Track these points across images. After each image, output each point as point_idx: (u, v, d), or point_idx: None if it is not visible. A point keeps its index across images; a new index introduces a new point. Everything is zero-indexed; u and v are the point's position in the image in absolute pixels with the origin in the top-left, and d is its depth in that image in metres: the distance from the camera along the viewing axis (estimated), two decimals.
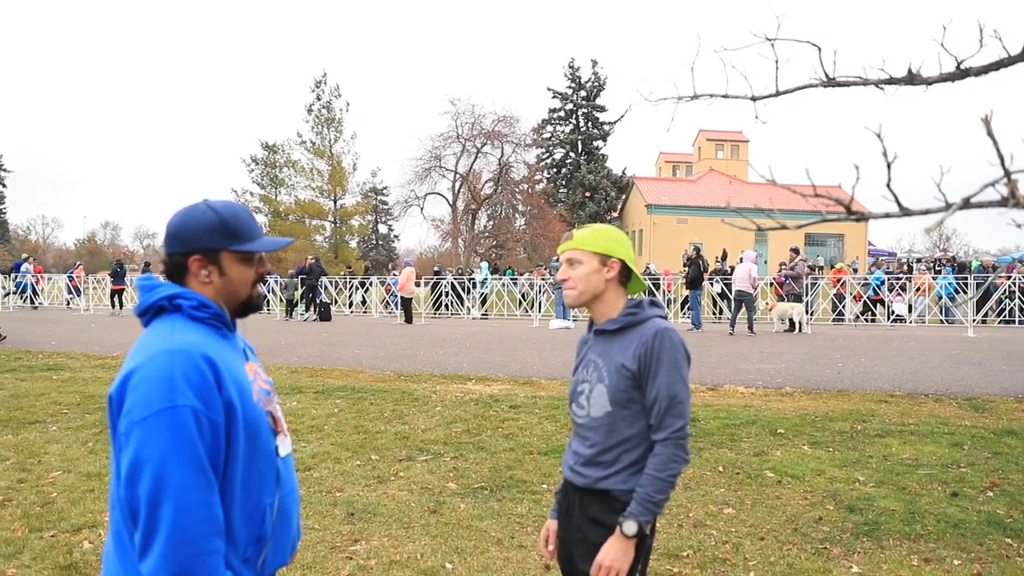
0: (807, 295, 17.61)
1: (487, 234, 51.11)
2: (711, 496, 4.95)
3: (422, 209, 49.56)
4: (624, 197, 50.31)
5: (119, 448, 1.51)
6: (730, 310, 17.18)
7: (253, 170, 47.24)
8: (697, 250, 17.00)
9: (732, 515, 4.59)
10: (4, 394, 8.86)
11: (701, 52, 3.76)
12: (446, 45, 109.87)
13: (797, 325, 15.89)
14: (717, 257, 22.84)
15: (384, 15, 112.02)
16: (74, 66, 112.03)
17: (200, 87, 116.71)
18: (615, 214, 50.30)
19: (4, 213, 68.26)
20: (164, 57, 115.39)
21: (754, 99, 3.41)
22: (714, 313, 20.78)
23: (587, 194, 48.17)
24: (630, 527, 1.97)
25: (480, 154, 48.13)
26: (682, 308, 20.24)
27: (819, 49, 3.17)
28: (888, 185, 1.77)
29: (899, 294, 19.16)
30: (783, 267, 18.72)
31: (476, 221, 50.06)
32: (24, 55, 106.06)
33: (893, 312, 18.71)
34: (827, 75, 3.18)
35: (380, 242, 61.56)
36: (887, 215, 1.85)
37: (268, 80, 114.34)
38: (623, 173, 50.21)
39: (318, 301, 21.36)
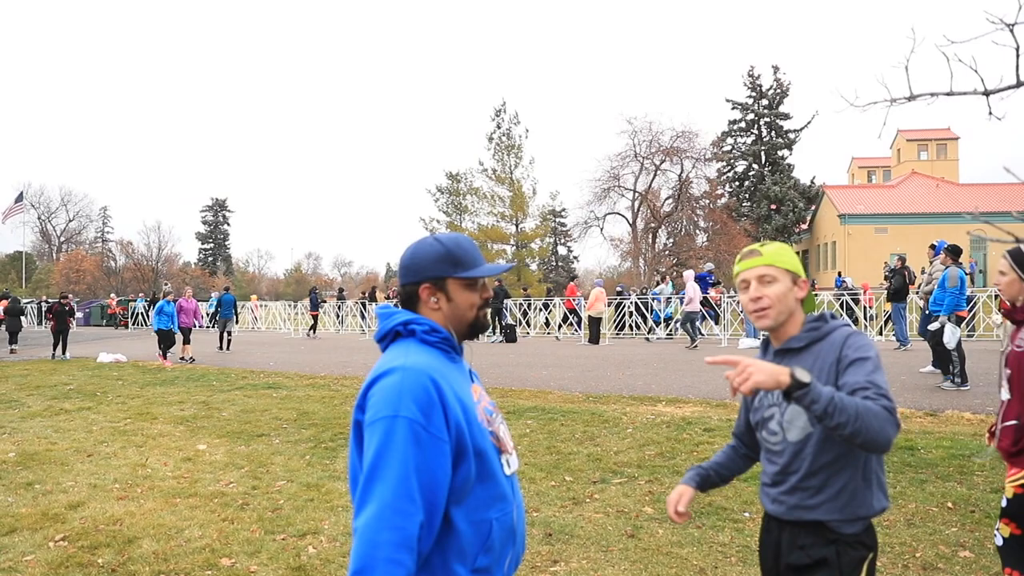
0: None
1: (668, 252, 50.15)
2: (941, 536, 4.44)
3: (601, 229, 49.68)
4: (813, 208, 47.39)
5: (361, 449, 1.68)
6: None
7: (439, 199, 49.73)
8: (902, 260, 15.59)
9: (970, 559, 4.09)
10: (236, 409, 9.93)
11: (916, 47, 3.45)
12: (621, 65, 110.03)
13: None
14: (923, 267, 20.88)
15: (559, 40, 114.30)
16: (281, 110, 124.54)
17: (390, 123, 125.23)
18: (804, 226, 47.51)
19: (228, 248, 76.99)
20: (358, 100, 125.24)
21: (987, 94, 3.05)
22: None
23: (773, 207, 45.87)
24: (803, 374, 1.73)
25: (659, 171, 47.49)
26: (885, 324, 18.60)
27: None
28: None
29: None
30: None
31: (656, 239, 49.31)
32: (236, 103, 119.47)
33: None
34: None
35: (560, 264, 62.31)
36: None
37: (452, 112, 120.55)
38: (812, 182, 47.33)
39: (503, 323, 22.00)
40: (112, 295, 40.28)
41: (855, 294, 19.61)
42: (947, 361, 9.84)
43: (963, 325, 12.28)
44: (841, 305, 18.66)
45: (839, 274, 31.69)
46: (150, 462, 6.94)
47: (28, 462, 7.08)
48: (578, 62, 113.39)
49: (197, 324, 18.71)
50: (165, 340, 16.89)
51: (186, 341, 17.46)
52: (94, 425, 9.07)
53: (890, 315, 16.53)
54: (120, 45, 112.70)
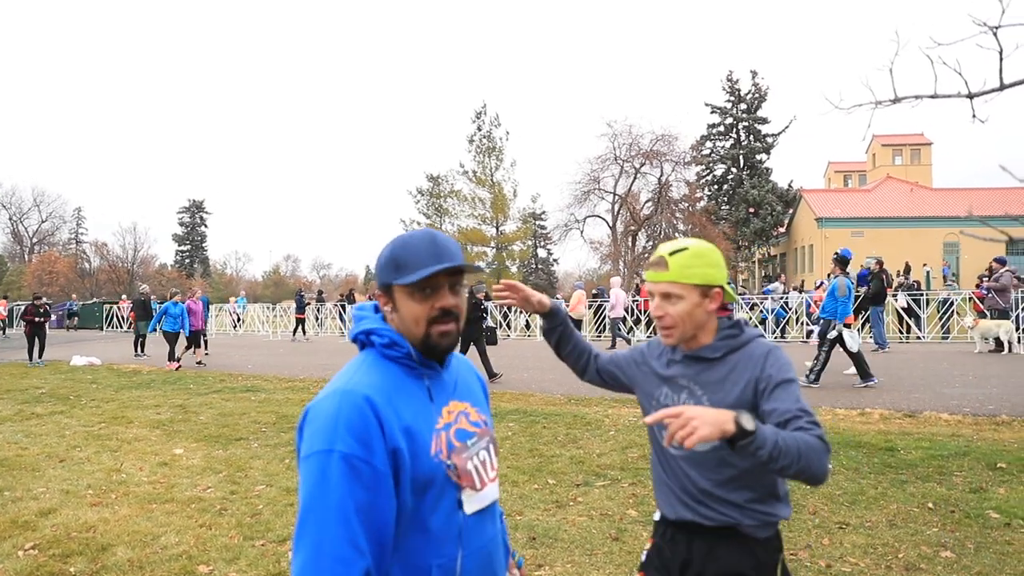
0: (1015, 310, 15.76)
1: (647, 255, 50.34)
2: (923, 536, 4.46)
3: (582, 232, 49.74)
4: (791, 211, 47.81)
5: None
6: (917, 327, 16.83)
7: (419, 201, 49.61)
8: (880, 263, 15.74)
9: (952, 560, 4.10)
10: (214, 412, 9.78)
11: (901, 50, 3.48)
12: (602, 68, 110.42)
13: (1005, 345, 14.23)
14: (899, 270, 21.18)
15: (540, 43, 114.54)
16: (259, 110, 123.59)
17: (371, 124, 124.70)
18: (782, 229, 47.90)
19: (206, 251, 76.18)
20: (338, 101, 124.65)
21: (971, 96, 3.08)
22: (900, 331, 19.10)
23: (751, 210, 46.25)
24: (748, 421, 1.60)
25: (639, 174, 47.66)
26: (863, 327, 18.79)
27: None
28: None
29: None
30: (984, 280, 16.91)
31: (636, 242, 49.51)
32: (215, 103, 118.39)
33: None
34: None
35: (540, 266, 62.34)
36: None
37: (433, 114, 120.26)
38: (789, 186, 47.77)
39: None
40: (123, 296, 39.30)
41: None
42: (861, 363, 10.32)
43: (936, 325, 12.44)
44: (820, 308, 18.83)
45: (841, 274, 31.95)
46: (125, 467, 6.80)
47: None
48: (559, 65, 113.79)
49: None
50: (173, 343, 16.18)
51: (196, 344, 16.77)
52: (67, 430, 8.89)
53: (867, 317, 16.70)
54: (96, 42, 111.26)
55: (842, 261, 10.78)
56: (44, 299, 19.84)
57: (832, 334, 10.30)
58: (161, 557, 4.43)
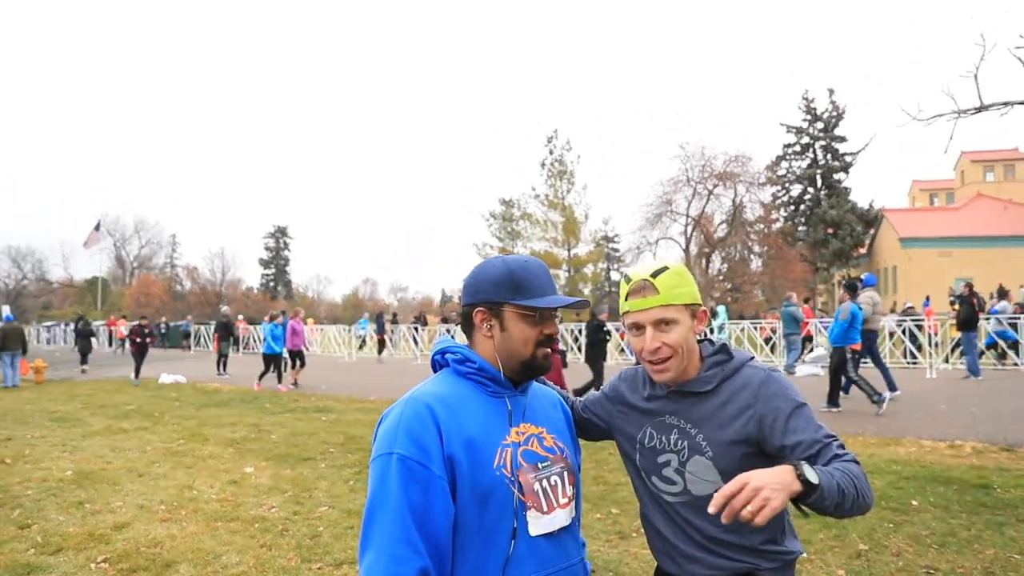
0: None
1: (722, 277, 49.29)
2: None
3: (654, 255, 49.04)
4: (872, 231, 46.02)
5: None
6: (1016, 354, 15.32)
7: (492, 224, 49.97)
8: (969, 286, 14.90)
9: None
10: (285, 432, 9.97)
11: (987, 54, 3.24)
12: (673, 90, 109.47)
13: None
14: (992, 293, 19.97)
15: (612, 67, 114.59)
16: (340, 141, 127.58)
17: (446, 151, 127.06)
18: (862, 250, 46.15)
19: (288, 274, 78.82)
20: (414, 129, 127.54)
21: None
22: (995, 358, 17.97)
23: (829, 230, 44.72)
24: (811, 474, 1.44)
25: (712, 196, 46.82)
26: (952, 352, 17.76)
27: None
28: None
29: None
30: None
31: (710, 265, 48.54)
32: (298, 135, 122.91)
33: None
34: None
35: (613, 289, 61.82)
36: None
37: (506, 140, 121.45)
38: (870, 206, 46.03)
39: (555, 348, 21.78)
40: (240, 317, 40.75)
41: (919, 320, 18.79)
42: (835, 389, 10.26)
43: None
44: (904, 332, 17.90)
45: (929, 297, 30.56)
46: (197, 484, 6.97)
47: (83, 480, 7.19)
48: (630, 88, 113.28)
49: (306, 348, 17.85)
50: (275, 365, 16.20)
51: (295, 365, 16.54)
52: (148, 445, 9.21)
53: (957, 342, 15.81)
54: (191, 83, 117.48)
55: (850, 287, 10.95)
56: (147, 320, 20.68)
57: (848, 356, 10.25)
58: None
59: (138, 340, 18.39)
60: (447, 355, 1.70)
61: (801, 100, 47.22)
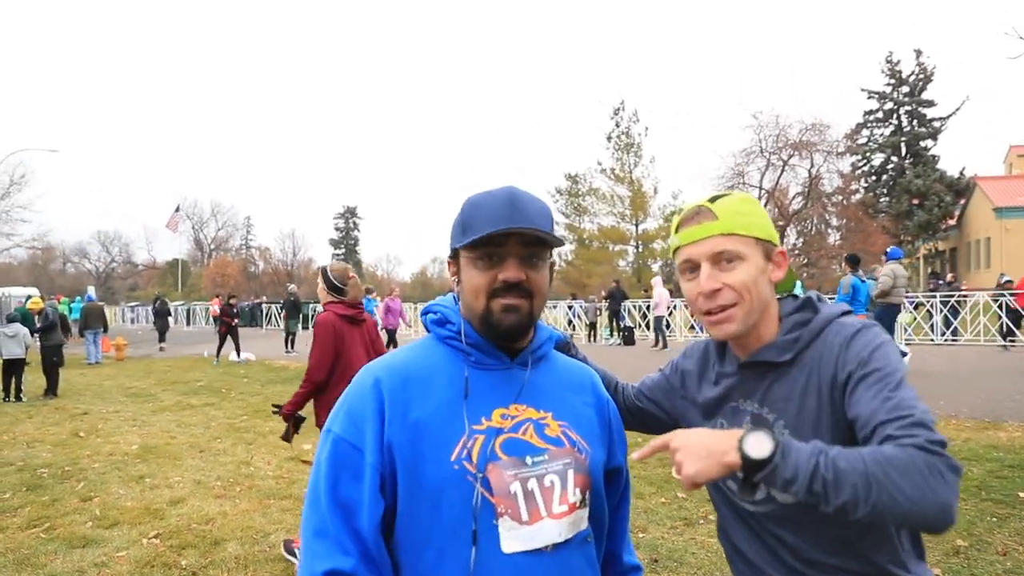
0: None
1: (797, 252, 47.54)
2: None
3: None
4: (963, 202, 43.39)
5: None
6: None
7: (558, 201, 49.43)
8: None
9: None
10: None
11: None
12: (744, 56, 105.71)
13: None
14: None
15: (679, 35, 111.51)
16: (407, 119, 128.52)
17: (512, 126, 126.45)
18: (952, 221, 43.59)
19: (359, 254, 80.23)
20: (480, 105, 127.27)
21: None
22: None
23: (915, 201, 42.35)
24: (757, 444, 1.07)
25: (787, 167, 45.04)
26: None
27: None
28: None
29: None
30: None
31: (785, 238, 46.86)
32: (366, 116, 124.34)
33: None
34: None
35: None
36: None
37: (572, 113, 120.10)
38: (960, 174, 43.36)
39: (622, 325, 21.36)
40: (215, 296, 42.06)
41: (1016, 294, 17.45)
42: None
43: None
44: (1000, 307, 16.67)
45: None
46: (255, 460, 6.93)
47: (147, 455, 7.28)
48: (700, 56, 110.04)
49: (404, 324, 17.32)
50: None
51: (392, 343, 16.42)
52: (213, 421, 9.31)
53: None
54: (260, 70, 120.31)
55: (851, 260, 10.87)
56: (236, 299, 20.84)
57: None
58: (267, 556, 4.34)
59: (227, 319, 18.26)
60: (428, 315, 1.40)
61: (884, 63, 44.78)
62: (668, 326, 20.82)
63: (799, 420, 1.29)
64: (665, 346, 18.63)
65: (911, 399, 1.14)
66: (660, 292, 19.01)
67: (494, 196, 1.30)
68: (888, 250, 11.37)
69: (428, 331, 1.40)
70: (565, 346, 1.65)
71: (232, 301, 19.43)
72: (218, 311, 24.79)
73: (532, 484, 1.22)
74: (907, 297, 20.42)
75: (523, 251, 1.27)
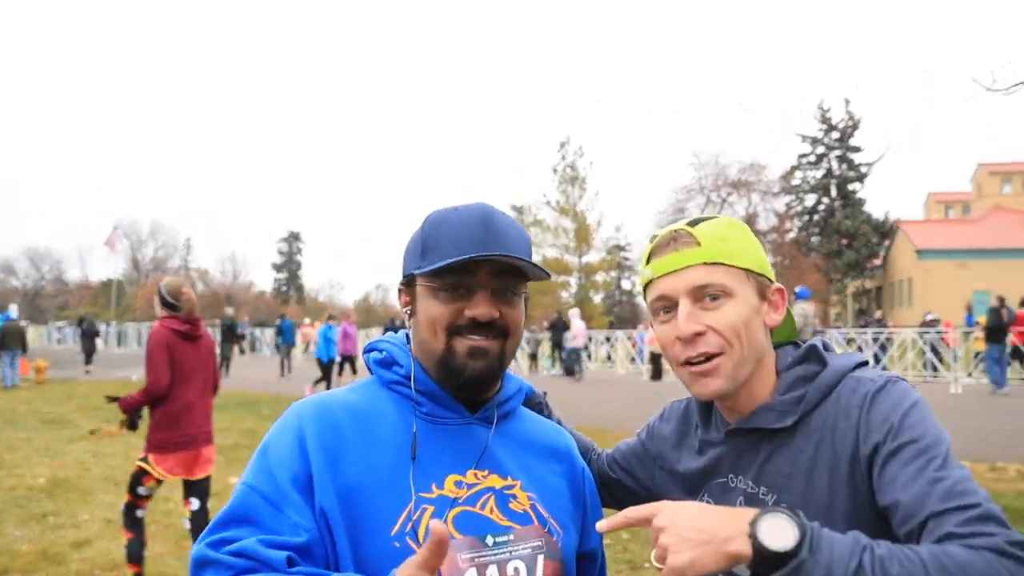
0: None
1: None
2: None
3: None
4: (887, 243, 45.31)
5: None
6: None
7: None
8: (1001, 300, 14.37)
9: None
10: None
11: None
12: (687, 97, 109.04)
13: None
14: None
15: (624, 73, 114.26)
16: (351, 146, 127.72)
17: (456, 156, 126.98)
18: (877, 262, 45.45)
19: (301, 278, 78.74)
20: (422, 135, 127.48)
21: None
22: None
23: (844, 241, 44.08)
24: (776, 529, 0.82)
25: (725, 204, 46.33)
26: (976, 367, 17.09)
27: None
28: None
29: None
30: None
31: None
32: (310, 141, 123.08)
33: None
34: None
35: (624, 298, 61.26)
36: None
37: (517, 146, 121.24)
38: (885, 217, 45.35)
39: (563, 356, 21.32)
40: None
41: (941, 332, 18.13)
42: None
43: None
44: (926, 344, 17.28)
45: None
46: (176, 495, 6.46)
47: (54, 489, 6.74)
48: (644, 95, 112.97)
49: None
50: (326, 371, 14.36)
51: (342, 371, 14.96)
52: (133, 450, 8.71)
53: (982, 356, 15.26)
54: (201, 88, 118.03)
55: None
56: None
57: None
58: None
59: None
60: (372, 352, 1.18)
61: (817, 109, 46.74)
62: (590, 357, 21.54)
63: (806, 503, 1.03)
64: (581, 377, 19.42)
65: (966, 481, 0.90)
66: (577, 324, 19.52)
67: (465, 214, 1.09)
68: (797, 290, 11.47)
69: (371, 372, 1.18)
70: (536, 403, 1.40)
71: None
72: None
73: (492, 572, 1.00)
74: (839, 332, 21.04)
75: (496, 283, 1.07)
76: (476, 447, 1.09)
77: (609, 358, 24.40)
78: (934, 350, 17.09)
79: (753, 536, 0.83)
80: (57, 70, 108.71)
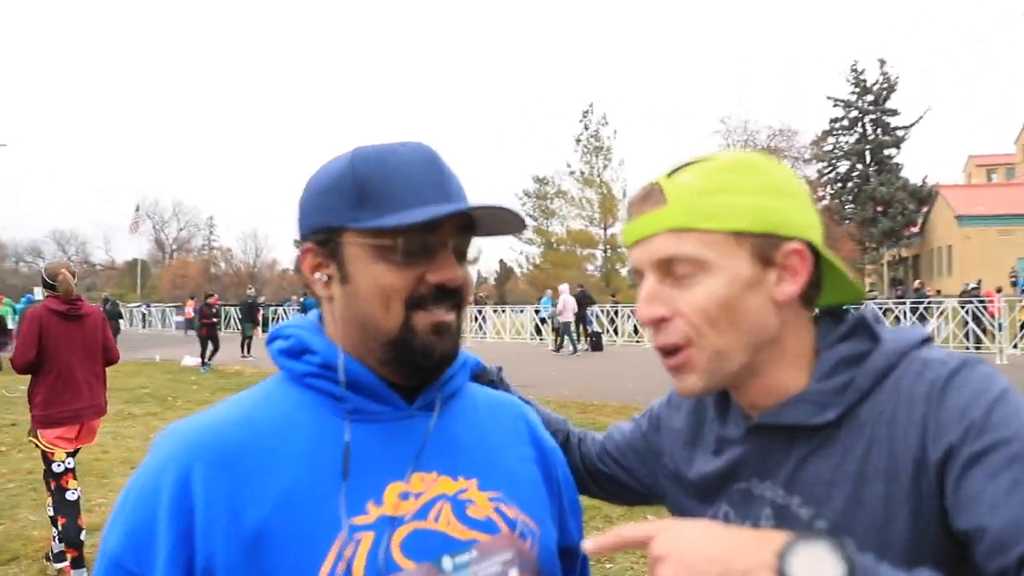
0: None
1: None
2: None
3: None
4: (925, 210, 44.08)
5: None
6: None
7: (525, 203, 49.10)
8: None
9: None
10: None
11: None
12: (714, 62, 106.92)
13: None
14: None
15: (650, 39, 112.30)
16: (367, 117, 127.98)
17: (476, 127, 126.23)
18: (915, 228, 44.28)
19: None
20: (445, 105, 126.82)
21: None
22: None
23: (879, 208, 42.97)
24: (820, 565, 0.58)
25: None
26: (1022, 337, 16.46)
27: None
28: None
29: None
30: None
31: None
32: (327, 119, 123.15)
33: None
34: None
35: None
36: None
37: (540, 115, 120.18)
38: (923, 182, 44.04)
39: (589, 331, 21.00)
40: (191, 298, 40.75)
41: (984, 301, 17.47)
42: None
43: None
44: (968, 314, 16.66)
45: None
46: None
47: None
48: (670, 60, 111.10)
49: None
50: None
51: None
52: (153, 432, 8.66)
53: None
54: (223, 67, 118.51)
55: None
56: (216, 297, 19.32)
57: None
58: None
59: (211, 322, 16.98)
60: (276, 342, 0.90)
61: (849, 72, 45.32)
62: (587, 330, 21.19)
63: (853, 522, 0.78)
64: (575, 351, 19.12)
65: None
66: (565, 299, 19.28)
67: (407, 155, 0.82)
68: None
69: (277, 366, 0.90)
70: (487, 381, 1.13)
71: (211, 301, 18.02)
72: (192, 313, 23.60)
73: None
74: (875, 303, 20.44)
75: (459, 240, 0.85)
76: (418, 444, 0.84)
77: (636, 331, 24.05)
78: (976, 320, 16.47)
79: (781, 572, 0.60)
80: (80, 51, 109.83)
